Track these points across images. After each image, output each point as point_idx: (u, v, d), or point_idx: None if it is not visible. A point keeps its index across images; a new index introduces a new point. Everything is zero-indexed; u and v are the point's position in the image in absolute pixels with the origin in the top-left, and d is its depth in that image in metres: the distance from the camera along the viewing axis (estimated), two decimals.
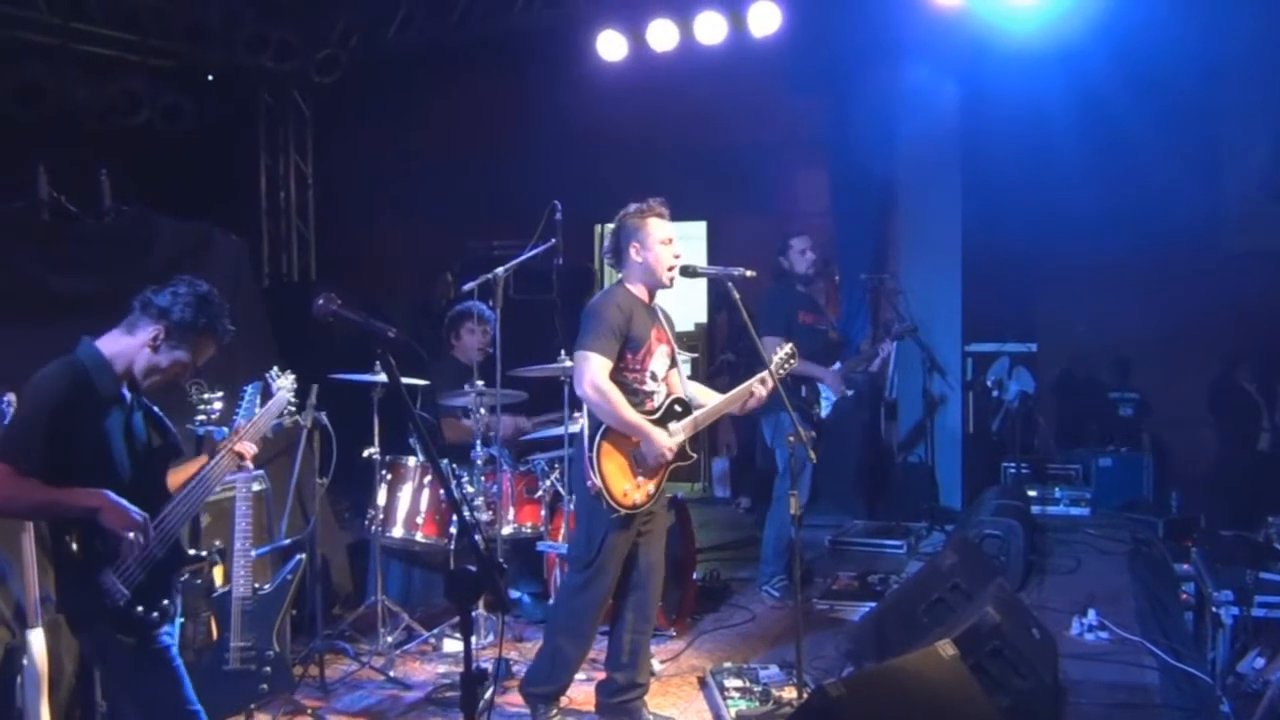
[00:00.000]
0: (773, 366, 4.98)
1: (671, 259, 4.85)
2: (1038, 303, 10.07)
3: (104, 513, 3.33)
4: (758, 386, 4.97)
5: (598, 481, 4.64)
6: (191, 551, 3.70)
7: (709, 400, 5.04)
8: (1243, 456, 9.32)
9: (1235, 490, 8.73)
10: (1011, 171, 8.91)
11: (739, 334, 9.27)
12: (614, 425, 4.68)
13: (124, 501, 3.35)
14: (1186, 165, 8.89)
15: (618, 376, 4.73)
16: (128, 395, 3.58)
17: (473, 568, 2.65)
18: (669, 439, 4.76)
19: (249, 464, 3.87)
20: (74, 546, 3.38)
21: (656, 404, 4.87)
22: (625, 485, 4.71)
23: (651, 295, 4.93)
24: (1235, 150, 9.24)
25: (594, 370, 4.64)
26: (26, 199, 5.78)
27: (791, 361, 5.17)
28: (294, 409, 4.38)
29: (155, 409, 3.73)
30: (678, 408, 4.91)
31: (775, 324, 6.85)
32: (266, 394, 4.21)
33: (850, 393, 7.33)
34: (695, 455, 4.95)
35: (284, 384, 4.32)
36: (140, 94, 8.47)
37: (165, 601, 3.52)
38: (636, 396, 4.79)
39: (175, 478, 3.72)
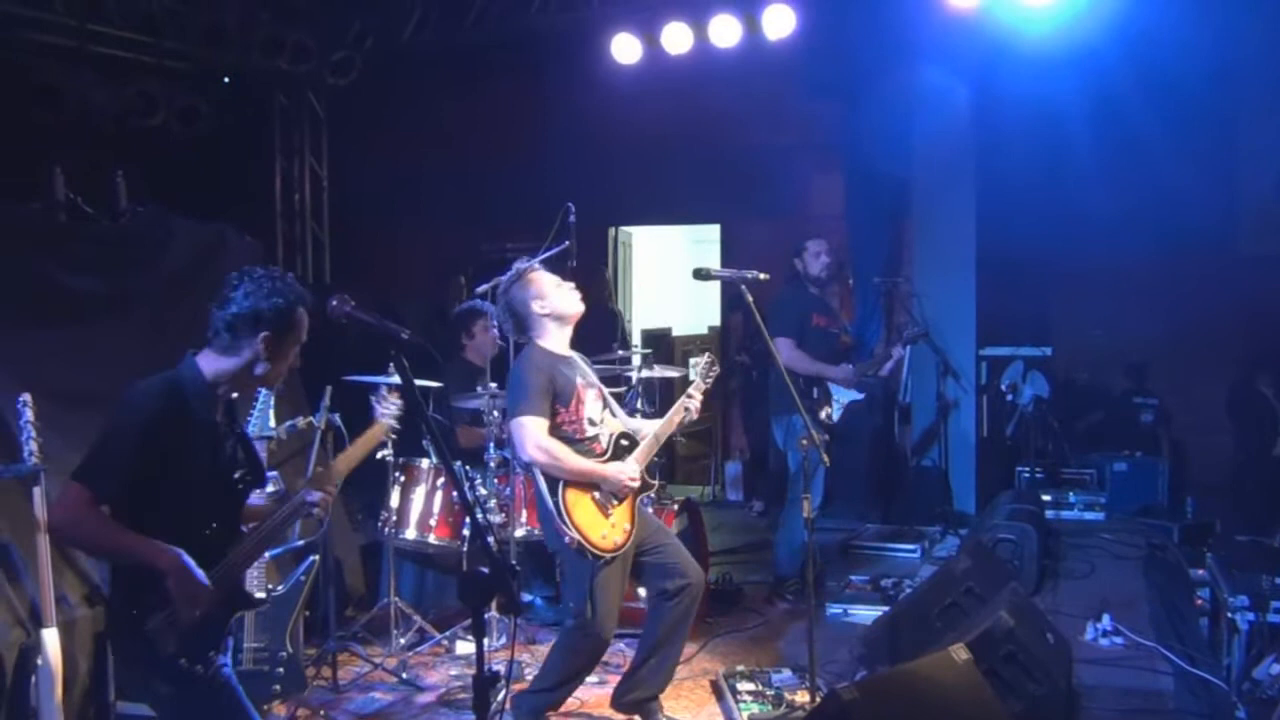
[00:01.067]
0: (699, 374, 4.99)
1: (570, 290, 4.88)
2: (1052, 306, 10.03)
3: (172, 577, 3.07)
4: (688, 401, 4.96)
5: (574, 535, 4.60)
6: (259, 595, 3.55)
7: (648, 429, 5.04)
8: (1259, 462, 9.26)
9: (1251, 496, 8.68)
10: (1026, 174, 8.88)
11: (753, 336, 9.26)
12: (568, 478, 4.67)
13: (194, 569, 3.10)
14: (1201, 168, 8.84)
15: (557, 431, 4.74)
16: (220, 419, 3.34)
17: (485, 570, 2.65)
18: (626, 468, 4.77)
19: (320, 510, 3.57)
20: (126, 584, 3.17)
21: (604, 445, 4.87)
22: (602, 529, 4.68)
23: (567, 344, 4.93)
24: (1251, 153, 9.19)
25: (532, 433, 4.65)
26: (43, 200, 5.80)
27: (714, 370, 5.14)
28: (395, 436, 4.07)
29: (250, 436, 3.56)
30: (624, 442, 4.92)
31: (788, 326, 6.84)
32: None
33: (861, 396, 7.31)
34: (656, 482, 4.96)
35: (390, 410, 3.95)
36: (156, 96, 8.53)
37: (214, 652, 3.27)
38: (582, 444, 4.80)
39: (251, 513, 3.51)
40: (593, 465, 4.73)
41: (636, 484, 4.77)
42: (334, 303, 3.01)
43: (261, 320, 3.23)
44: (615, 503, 4.74)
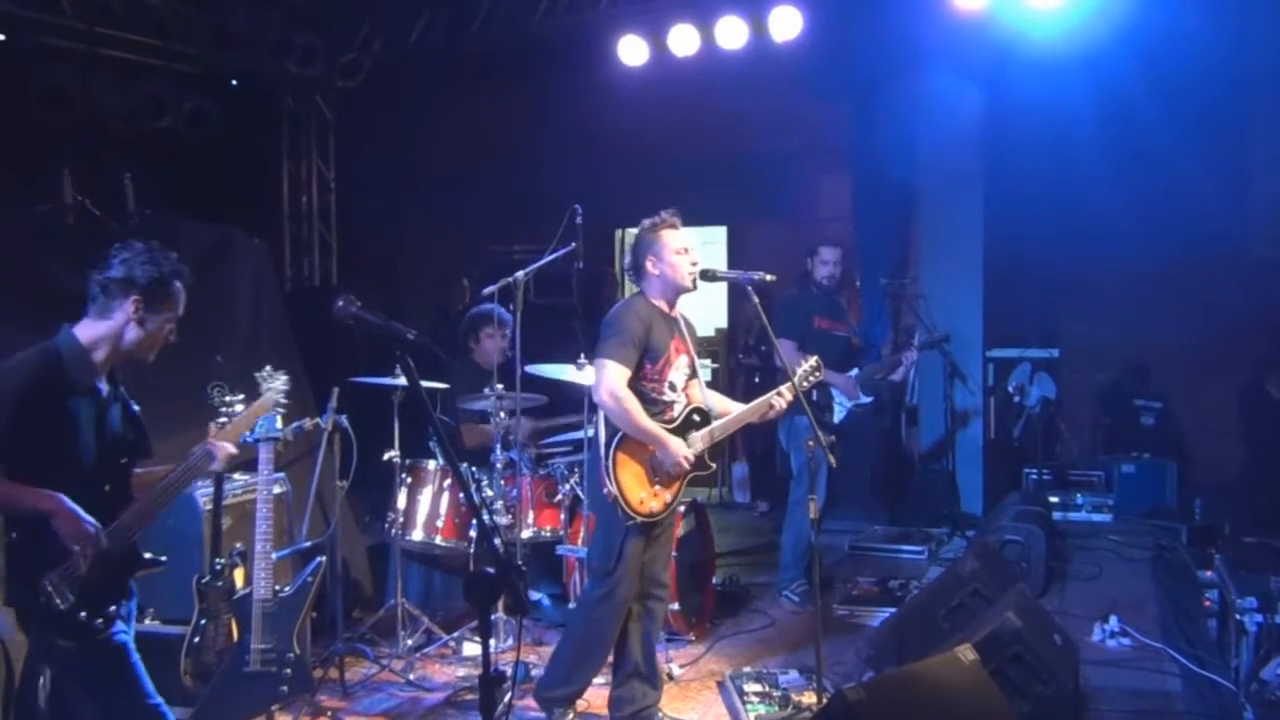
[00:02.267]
0: (796, 379, 4.96)
1: (689, 267, 4.86)
2: (1060, 308, 10.01)
3: (57, 518, 3.25)
4: (776, 399, 4.96)
5: (613, 489, 4.64)
6: (148, 555, 3.62)
7: (729, 411, 5.04)
8: (1268, 463, 9.23)
9: (1260, 497, 8.64)
10: (1034, 177, 8.87)
11: (759, 337, 9.26)
12: (630, 432, 4.68)
13: (79, 510, 3.27)
14: (1212, 171, 8.80)
15: (636, 386, 4.74)
16: (104, 388, 3.50)
17: (491, 570, 2.65)
18: (685, 448, 4.76)
19: (220, 464, 3.82)
20: (21, 543, 3.32)
21: (675, 414, 4.87)
22: (642, 493, 4.71)
23: (672, 305, 4.94)
24: (1262, 156, 9.15)
25: (611, 377, 4.65)
26: (52, 203, 5.82)
27: (816, 374, 5.15)
28: (282, 410, 4.36)
29: (133, 406, 3.67)
30: (696, 417, 4.91)
31: (791, 327, 6.85)
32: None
33: (869, 400, 7.31)
34: (714, 465, 4.95)
35: (275, 385, 4.30)
36: (165, 99, 8.53)
37: (114, 606, 3.43)
38: (655, 406, 4.80)
39: (146, 479, 3.66)
40: (657, 429, 4.71)
41: (688, 466, 4.76)
42: (340, 303, 3.05)
43: (134, 284, 3.42)
44: (664, 475, 4.75)
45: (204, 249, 6.06)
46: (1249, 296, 8.82)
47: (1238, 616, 5.24)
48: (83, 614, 3.31)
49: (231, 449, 3.84)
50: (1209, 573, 6.40)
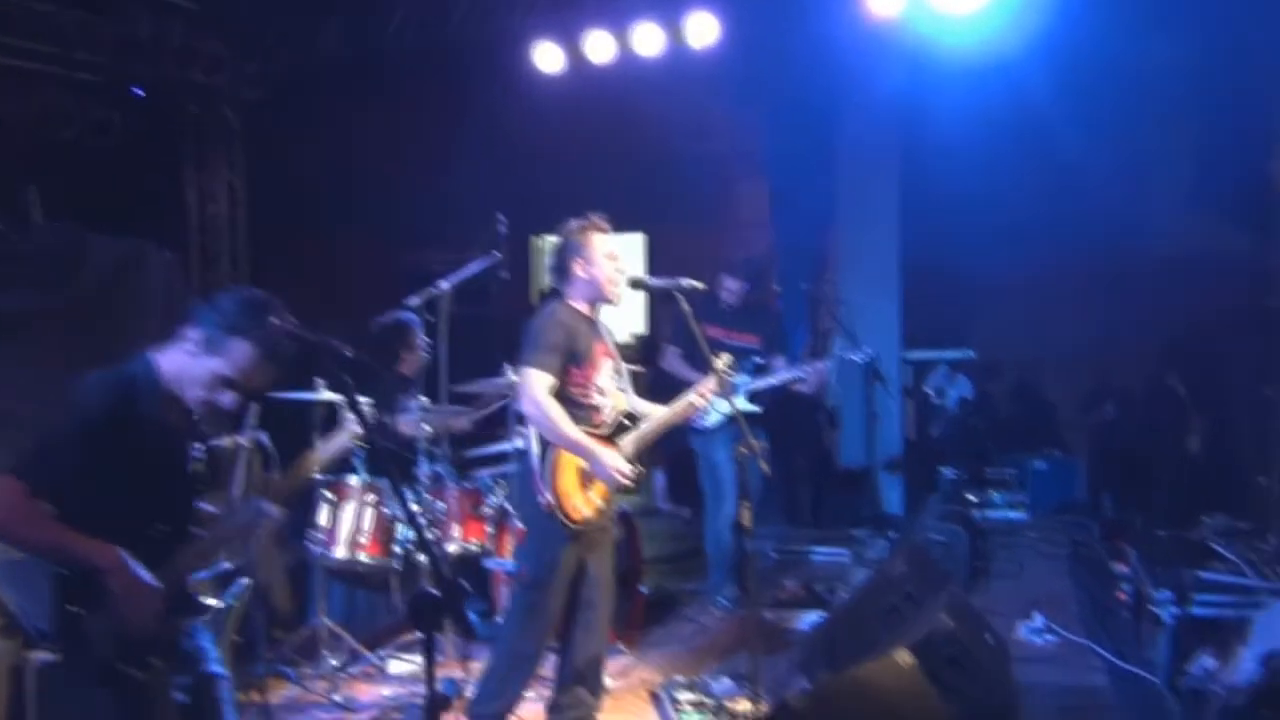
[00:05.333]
0: (713, 377, 4.94)
1: (616, 274, 4.83)
2: (976, 310, 10.18)
3: (114, 576, 2.98)
4: (697, 399, 4.95)
5: (549, 498, 4.59)
6: (210, 601, 3.38)
7: (652, 412, 5.02)
8: (1173, 459, 9.48)
9: (1166, 492, 8.88)
10: (949, 181, 9.00)
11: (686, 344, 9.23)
12: (555, 442, 4.63)
13: (138, 569, 3.00)
14: (1118, 174, 9.05)
15: (563, 392, 4.69)
16: (175, 418, 3.25)
17: (435, 591, 2.59)
18: (619, 459, 4.71)
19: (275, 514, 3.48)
20: (70, 585, 3.03)
21: (604, 417, 4.83)
22: (577, 500, 4.68)
23: (594, 310, 4.90)
24: (1164, 160, 9.42)
25: (534, 386, 4.60)
26: None
27: (731, 372, 5.13)
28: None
29: (213, 443, 3.45)
30: (626, 421, 4.89)
31: (676, 333, 6.89)
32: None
33: (758, 409, 7.13)
34: (642, 469, 4.92)
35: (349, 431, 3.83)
36: (69, 109, 8.27)
37: (158, 659, 3.13)
38: (583, 410, 4.75)
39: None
40: (585, 440, 4.65)
41: (626, 482, 4.72)
42: (273, 319, 2.93)
43: (200, 319, 3.20)
44: (598, 480, 4.72)
45: (112, 263, 5.89)
46: (1151, 295, 9.06)
47: (1153, 609, 5.36)
48: (120, 665, 3.04)
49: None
50: (1122, 567, 6.53)
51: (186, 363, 3.19)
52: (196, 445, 3.36)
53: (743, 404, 6.91)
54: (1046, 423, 10.61)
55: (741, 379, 6.91)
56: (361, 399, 5.72)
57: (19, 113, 7.92)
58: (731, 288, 7.10)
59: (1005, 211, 9.05)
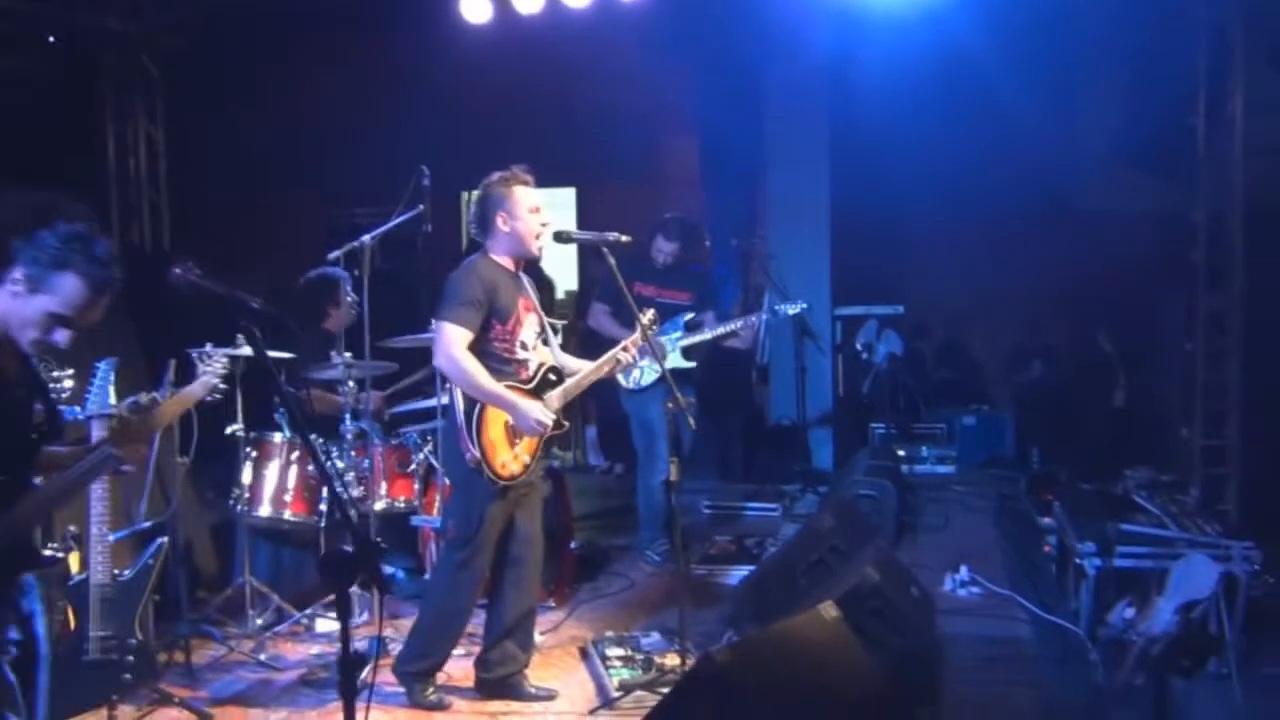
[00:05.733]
0: (638, 331, 4.91)
1: (539, 227, 4.76)
2: (905, 265, 10.23)
3: None
4: (622, 354, 4.91)
5: (476, 453, 4.55)
6: (47, 552, 3.34)
7: (580, 368, 4.98)
8: (1099, 413, 9.63)
9: (1092, 446, 9.01)
10: (880, 135, 9.00)
11: (613, 299, 9.16)
12: (474, 395, 4.59)
13: None
14: (1047, 128, 9.11)
15: (486, 347, 4.65)
16: (5, 363, 3.14)
17: (348, 548, 2.53)
18: (541, 409, 4.68)
19: (132, 467, 3.41)
20: None
21: (530, 373, 4.79)
22: (504, 456, 4.64)
23: (518, 265, 4.84)
24: (1093, 113, 9.49)
25: (450, 341, 4.54)
26: None
27: (654, 327, 5.09)
28: (218, 395, 3.97)
29: (48, 386, 3.31)
30: (551, 376, 4.84)
31: (606, 291, 6.84)
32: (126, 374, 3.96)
33: (692, 365, 7.11)
34: (568, 424, 4.88)
35: (214, 368, 3.92)
36: None
37: None
38: (509, 366, 4.71)
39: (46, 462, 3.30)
40: (505, 392, 4.61)
41: (546, 428, 4.68)
42: (177, 270, 2.85)
43: (21, 255, 3.05)
44: (525, 436, 4.68)
45: (24, 215, 5.68)
46: (1081, 249, 9.15)
47: (1077, 561, 5.44)
48: None
49: (142, 450, 3.46)
50: (1048, 519, 6.62)
51: (13, 304, 3.05)
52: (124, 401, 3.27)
53: (677, 361, 6.91)
54: (975, 378, 10.74)
55: (675, 334, 6.89)
56: (281, 354, 5.71)
57: None
58: (665, 249, 7.05)
59: (936, 165, 9.07)
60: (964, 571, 6.10)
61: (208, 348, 3.84)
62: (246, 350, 5.23)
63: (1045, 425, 9.67)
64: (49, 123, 8.65)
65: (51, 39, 8.96)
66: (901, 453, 9.03)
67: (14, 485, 3.14)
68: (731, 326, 7.00)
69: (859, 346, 9.54)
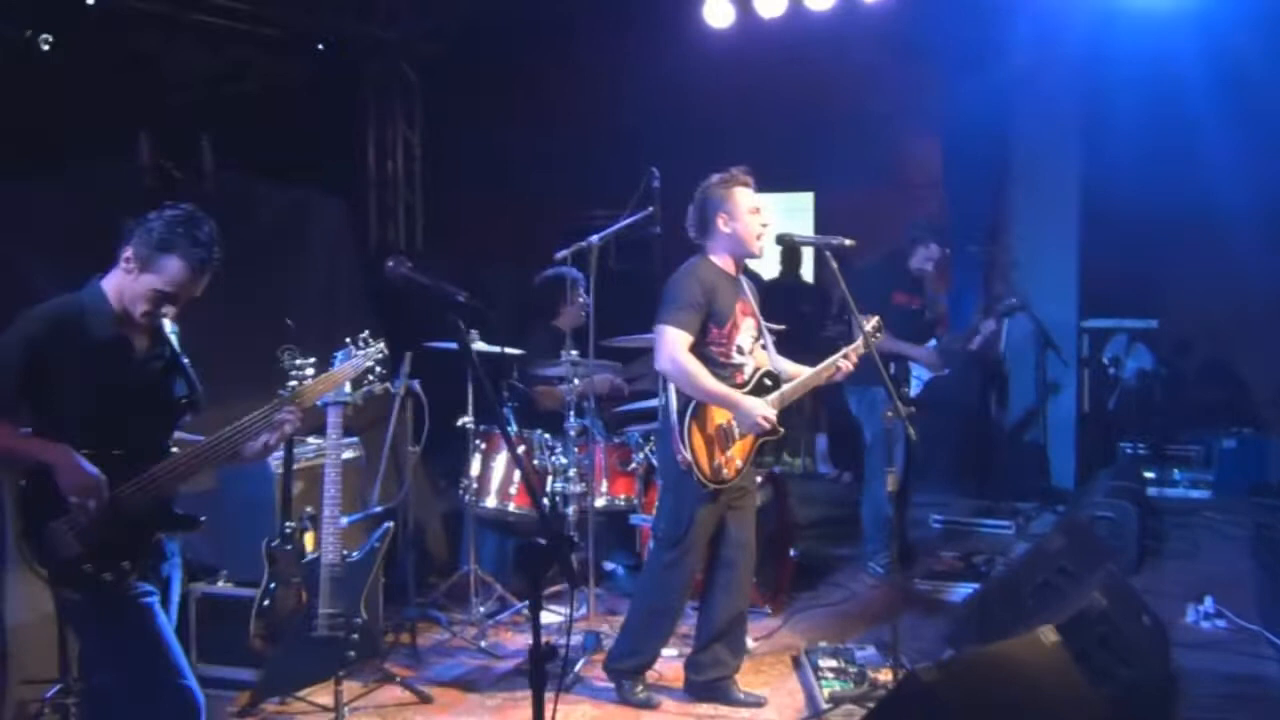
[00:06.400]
0: (861, 339, 4.81)
1: (760, 228, 4.74)
2: (1161, 277, 9.64)
3: (60, 471, 3.13)
4: (843, 361, 4.84)
5: (688, 455, 4.55)
6: (180, 513, 3.45)
7: (797, 374, 4.91)
8: None
9: None
10: (1135, 139, 8.51)
11: (841, 306, 9.01)
12: (698, 397, 4.59)
13: (84, 463, 3.15)
14: None
15: (703, 350, 4.64)
16: (133, 335, 3.37)
17: (542, 540, 2.57)
18: (764, 405, 4.65)
19: (284, 430, 3.60)
20: (30, 492, 3.21)
21: (746, 377, 4.76)
22: (716, 460, 4.62)
23: (738, 267, 4.81)
24: None
25: (671, 344, 4.55)
26: (129, 165, 5.84)
27: (878, 335, 4.98)
28: (375, 378, 4.13)
29: (184, 359, 3.52)
30: (767, 381, 4.80)
31: (869, 303, 6.67)
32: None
33: (946, 371, 7.06)
34: (783, 430, 4.82)
35: (368, 351, 4.11)
36: (250, 62, 8.54)
37: (127, 562, 3.27)
38: (724, 370, 4.69)
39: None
40: (728, 391, 4.62)
41: (769, 425, 4.65)
42: (391, 264, 2.96)
43: (130, 236, 3.30)
44: (738, 437, 4.67)
45: (280, 211, 6.06)
46: None
47: None
48: (87, 566, 3.20)
49: (295, 419, 3.62)
50: None
51: (127, 282, 3.30)
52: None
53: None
54: (1241, 399, 10.02)
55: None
56: (512, 350, 5.87)
57: (203, 66, 8.20)
58: (937, 255, 6.91)
59: (1196, 172, 8.50)
60: (1209, 603, 5.70)
61: (364, 335, 4.03)
62: (480, 346, 5.43)
63: None
64: (314, 126, 9.18)
65: (320, 46, 9.50)
66: (1150, 475, 8.53)
67: (147, 453, 3.35)
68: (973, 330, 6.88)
69: (1106, 361, 9.07)
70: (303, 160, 8.12)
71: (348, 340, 4.03)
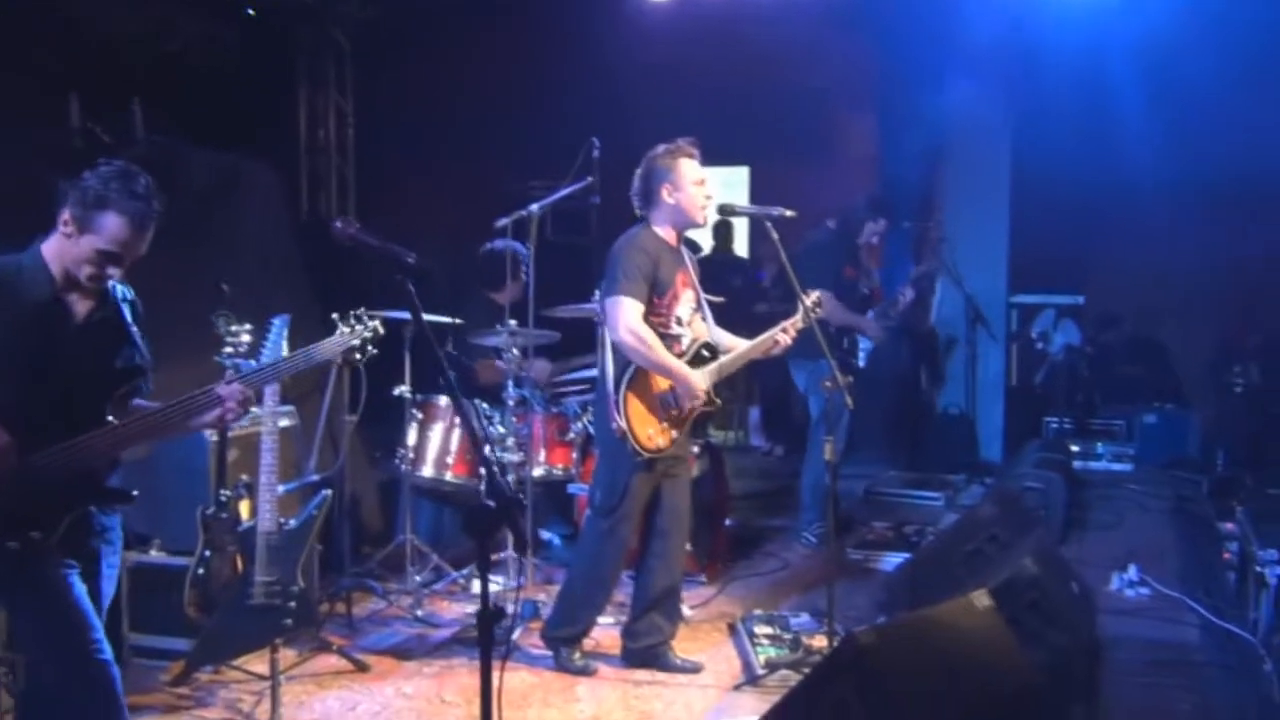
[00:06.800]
0: (800, 313, 4.85)
1: (704, 199, 4.75)
2: (1088, 253, 9.84)
3: None
4: (781, 335, 4.88)
5: (622, 424, 4.57)
6: (110, 486, 3.33)
7: (735, 346, 4.95)
8: None
9: None
10: (1065, 117, 8.67)
11: (779, 277, 9.09)
12: (650, 368, 4.61)
13: None
14: (1247, 108, 8.58)
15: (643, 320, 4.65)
16: (73, 300, 3.25)
17: (491, 503, 2.57)
18: (703, 381, 4.68)
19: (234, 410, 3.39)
20: None
21: (684, 348, 4.78)
22: (650, 429, 4.65)
23: (679, 238, 4.83)
24: None
25: (627, 314, 4.56)
26: (59, 128, 5.70)
27: (818, 310, 5.03)
28: (358, 357, 3.76)
29: (133, 328, 3.39)
30: (705, 352, 4.83)
31: (823, 276, 6.72)
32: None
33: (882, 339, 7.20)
34: (719, 402, 4.86)
35: (358, 330, 3.72)
36: (177, 24, 8.33)
37: (37, 532, 3.12)
38: (664, 341, 4.70)
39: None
40: (677, 364, 4.65)
41: (702, 400, 4.69)
42: (338, 224, 2.91)
43: (68, 196, 3.17)
44: (674, 409, 4.69)
45: (211, 177, 5.96)
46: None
47: (1258, 569, 5.15)
48: None
49: (241, 391, 3.40)
50: (1230, 525, 6.31)
51: (67, 246, 3.18)
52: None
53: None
54: (1164, 375, 10.26)
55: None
56: (442, 319, 5.82)
57: (127, 25, 7.97)
58: (881, 230, 6.99)
59: (1123, 151, 8.67)
60: (1133, 571, 5.86)
61: (360, 310, 3.80)
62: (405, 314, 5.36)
63: (1238, 427, 9.17)
64: (246, 92, 8.99)
65: (249, 10, 9.31)
66: (1075, 448, 8.71)
67: (79, 423, 3.21)
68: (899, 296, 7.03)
69: (1034, 336, 9.24)
70: (235, 126, 7.97)
71: (335, 316, 3.78)
